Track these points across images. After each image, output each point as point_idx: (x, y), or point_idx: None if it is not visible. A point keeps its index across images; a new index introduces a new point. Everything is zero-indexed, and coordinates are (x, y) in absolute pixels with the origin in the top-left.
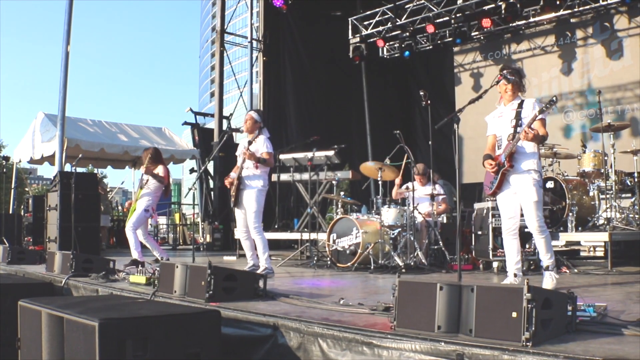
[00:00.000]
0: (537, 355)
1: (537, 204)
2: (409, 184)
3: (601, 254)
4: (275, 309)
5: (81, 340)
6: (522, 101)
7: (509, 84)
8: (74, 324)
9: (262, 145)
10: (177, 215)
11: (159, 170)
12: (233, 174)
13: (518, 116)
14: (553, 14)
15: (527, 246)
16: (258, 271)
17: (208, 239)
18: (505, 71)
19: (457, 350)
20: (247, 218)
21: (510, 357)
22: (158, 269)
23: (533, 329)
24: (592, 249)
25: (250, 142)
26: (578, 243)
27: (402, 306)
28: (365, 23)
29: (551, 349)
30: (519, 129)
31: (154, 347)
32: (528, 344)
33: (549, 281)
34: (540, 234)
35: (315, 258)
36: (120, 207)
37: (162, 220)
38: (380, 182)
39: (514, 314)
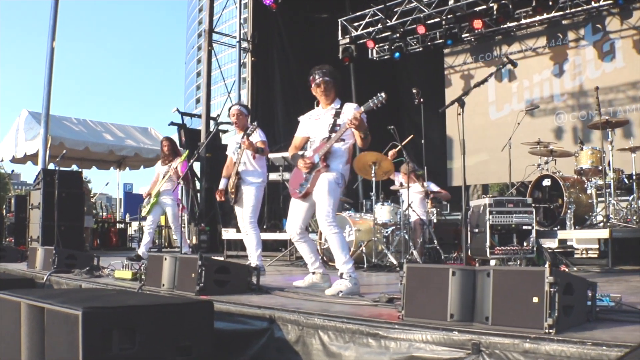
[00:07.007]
0: (562, 343)
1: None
2: (402, 181)
3: (594, 255)
4: (270, 301)
5: (63, 331)
6: (342, 105)
7: (319, 87)
8: (56, 314)
9: (256, 136)
10: (162, 217)
11: (179, 167)
12: (222, 184)
13: (336, 120)
14: (545, 16)
15: (524, 244)
16: None
17: (194, 240)
18: (315, 73)
19: (472, 340)
20: (243, 212)
21: (532, 345)
22: (145, 263)
23: (556, 315)
24: (584, 251)
25: (248, 135)
26: (571, 246)
27: (411, 294)
28: (355, 24)
29: (576, 336)
30: (333, 134)
31: (142, 339)
32: (551, 330)
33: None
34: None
35: None
36: (104, 209)
37: None
38: (374, 181)
39: (535, 299)
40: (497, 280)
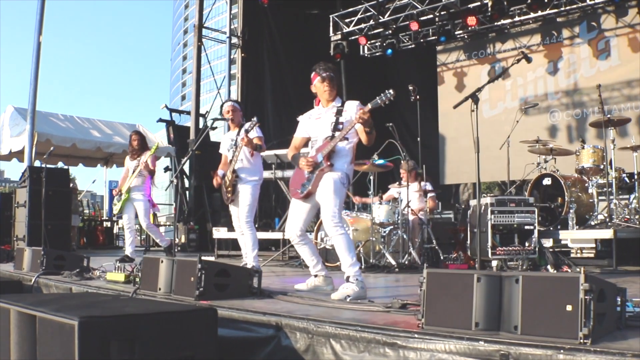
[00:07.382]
0: (600, 354)
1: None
2: (401, 182)
3: (590, 255)
4: (275, 307)
5: (57, 341)
6: (344, 103)
7: (324, 82)
8: (49, 323)
9: (254, 132)
10: (150, 216)
11: (149, 160)
12: (221, 172)
13: (338, 118)
14: (539, 13)
15: (526, 244)
16: None
17: (182, 239)
18: (319, 68)
19: (501, 350)
20: (239, 211)
21: (567, 356)
22: (139, 265)
23: (591, 324)
24: (579, 250)
25: (247, 131)
26: (565, 245)
27: (431, 301)
28: (347, 20)
29: (613, 347)
30: (336, 133)
31: (142, 349)
32: (586, 341)
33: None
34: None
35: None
36: (90, 207)
37: None
38: (371, 180)
39: (569, 307)
40: (527, 287)
